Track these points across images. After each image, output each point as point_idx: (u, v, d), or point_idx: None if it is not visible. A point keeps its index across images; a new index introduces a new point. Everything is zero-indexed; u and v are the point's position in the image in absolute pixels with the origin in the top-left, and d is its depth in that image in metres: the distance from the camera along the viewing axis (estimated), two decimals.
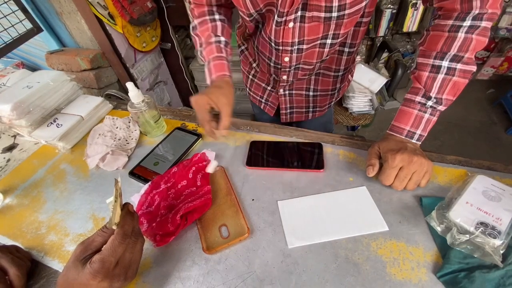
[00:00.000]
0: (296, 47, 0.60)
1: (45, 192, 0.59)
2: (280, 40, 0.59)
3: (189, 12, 0.66)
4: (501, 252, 0.38)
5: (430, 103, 0.48)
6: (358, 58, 1.50)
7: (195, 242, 0.46)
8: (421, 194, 0.49)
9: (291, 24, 0.54)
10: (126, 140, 0.67)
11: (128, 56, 1.48)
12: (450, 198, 0.45)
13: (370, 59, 2.02)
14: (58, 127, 0.67)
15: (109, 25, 1.32)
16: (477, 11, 0.43)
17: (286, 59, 0.63)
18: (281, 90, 0.78)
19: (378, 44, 1.78)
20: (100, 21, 1.29)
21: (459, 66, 0.45)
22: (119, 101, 0.85)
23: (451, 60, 0.45)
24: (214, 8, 0.64)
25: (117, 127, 0.69)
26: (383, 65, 1.76)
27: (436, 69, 0.46)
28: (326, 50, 0.61)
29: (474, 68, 0.46)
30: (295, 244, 0.44)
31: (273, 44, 0.62)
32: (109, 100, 0.81)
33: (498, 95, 2.11)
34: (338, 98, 0.84)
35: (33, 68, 1.50)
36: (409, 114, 0.50)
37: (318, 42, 0.59)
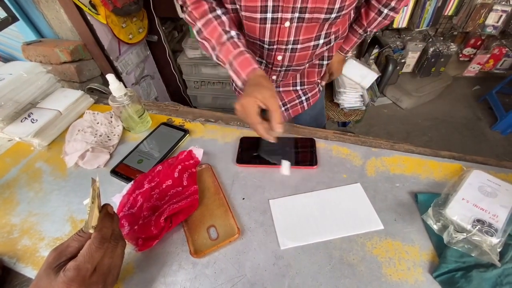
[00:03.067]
0: (290, 46, 0.60)
1: (18, 193, 0.54)
2: (275, 39, 0.58)
3: (185, 16, 0.59)
4: (498, 250, 0.37)
5: (364, 34, 0.74)
6: (349, 53, 1.48)
7: (182, 245, 0.44)
8: (416, 191, 0.48)
9: (287, 24, 0.54)
10: (108, 136, 0.63)
11: (111, 48, 1.41)
12: (446, 194, 0.44)
13: (360, 55, 2.01)
14: (33, 122, 0.63)
15: (90, 15, 1.25)
16: None
17: (279, 57, 0.62)
18: None
19: (369, 40, 1.77)
20: (80, 11, 1.22)
21: (391, 13, 0.67)
22: (102, 95, 0.80)
23: (390, 10, 0.66)
24: (214, 3, 0.58)
25: (98, 123, 0.65)
26: (373, 61, 1.76)
27: (380, 13, 0.67)
28: (318, 50, 0.64)
29: (397, 15, 0.68)
30: (288, 245, 0.42)
31: (265, 45, 0.60)
32: (91, 94, 0.76)
33: (484, 91, 2.16)
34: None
35: (9, 60, 1.41)
36: (352, 39, 0.76)
37: (312, 43, 0.60)
